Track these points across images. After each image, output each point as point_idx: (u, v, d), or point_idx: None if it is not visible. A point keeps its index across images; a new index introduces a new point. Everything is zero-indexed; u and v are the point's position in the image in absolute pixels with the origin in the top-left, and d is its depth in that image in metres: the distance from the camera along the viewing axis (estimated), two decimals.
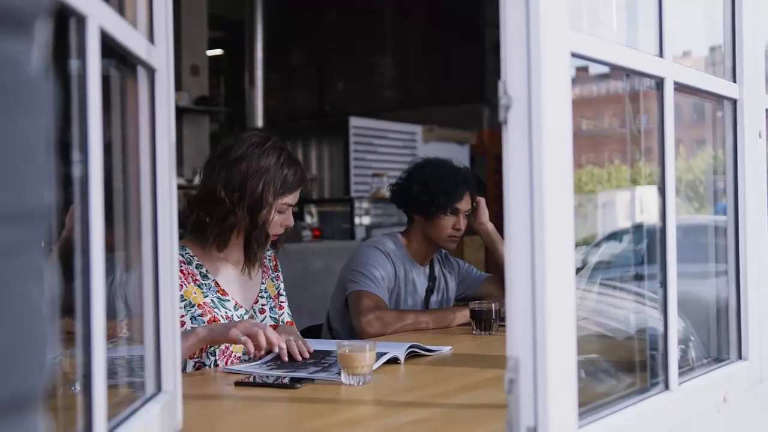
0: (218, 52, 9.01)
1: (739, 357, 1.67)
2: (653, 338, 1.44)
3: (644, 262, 1.65)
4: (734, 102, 1.67)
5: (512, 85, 1.04)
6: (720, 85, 1.64)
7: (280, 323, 2.28)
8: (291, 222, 2.17)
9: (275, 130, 2.46)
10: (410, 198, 2.77)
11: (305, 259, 5.20)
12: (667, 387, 1.37)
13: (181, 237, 2.11)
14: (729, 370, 1.62)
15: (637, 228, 1.70)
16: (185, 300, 2.05)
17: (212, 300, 2.10)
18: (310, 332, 2.84)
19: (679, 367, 1.40)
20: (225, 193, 2.07)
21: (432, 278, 2.86)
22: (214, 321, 2.07)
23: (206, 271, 2.13)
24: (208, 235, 2.10)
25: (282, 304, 2.31)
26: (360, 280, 2.62)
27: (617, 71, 1.43)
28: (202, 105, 6.95)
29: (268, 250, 2.30)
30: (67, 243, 1.05)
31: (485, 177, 6.64)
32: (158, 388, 1.23)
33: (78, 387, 0.91)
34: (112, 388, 0.96)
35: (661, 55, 1.37)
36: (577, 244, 1.13)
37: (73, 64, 0.87)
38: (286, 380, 1.76)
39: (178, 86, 6.32)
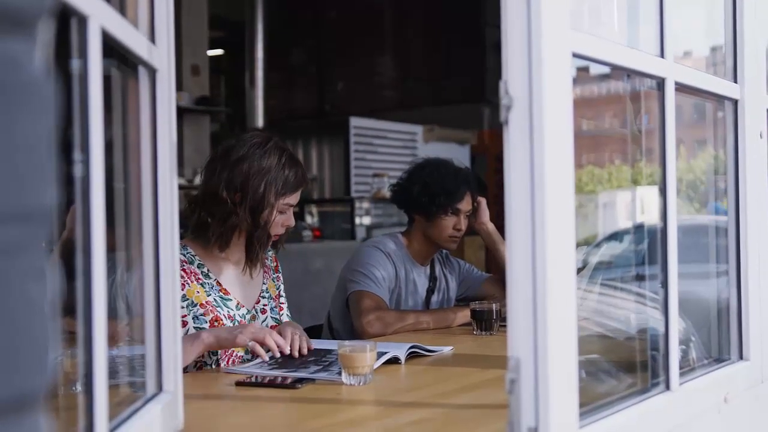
0: (219, 52, 9.01)
1: (740, 357, 1.67)
2: (654, 338, 1.44)
3: (645, 262, 1.65)
4: (735, 102, 1.67)
5: (513, 85, 1.04)
6: (721, 86, 1.64)
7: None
8: (292, 222, 2.18)
9: (275, 130, 2.47)
10: (411, 198, 2.77)
11: (306, 259, 5.20)
12: (668, 387, 1.37)
13: (182, 237, 2.11)
14: (730, 371, 1.62)
15: (638, 228, 1.70)
16: (187, 299, 2.05)
17: (215, 299, 2.11)
18: (310, 332, 2.82)
19: (680, 368, 1.40)
20: (227, 193, 2.07)
21: (433, 278, 2.86)
22: (217, 320, 2.07)
23: (208, 270, 2.13)
24: (210, 236, 2.11)
25: (282, 305, 2.32)
26: (361, 281, 2.62)
27: (618, 71, 1.43)
28: (202, 105, 6.94)
29: (269, 251, 2.30)
30: (68, 243, 1.05)
31: (486, 177, 6.63)
32: (159, 388, 1.24)
33: (79, 387, 0.91)
34: (113, 387, 0.96)
35: (662, 55, 1.37)
36: (578, 245, 1.13)
37: (75, 64, 0.87)
38: (287, 380, 1.76)
39: (179, 86, 6.33)
